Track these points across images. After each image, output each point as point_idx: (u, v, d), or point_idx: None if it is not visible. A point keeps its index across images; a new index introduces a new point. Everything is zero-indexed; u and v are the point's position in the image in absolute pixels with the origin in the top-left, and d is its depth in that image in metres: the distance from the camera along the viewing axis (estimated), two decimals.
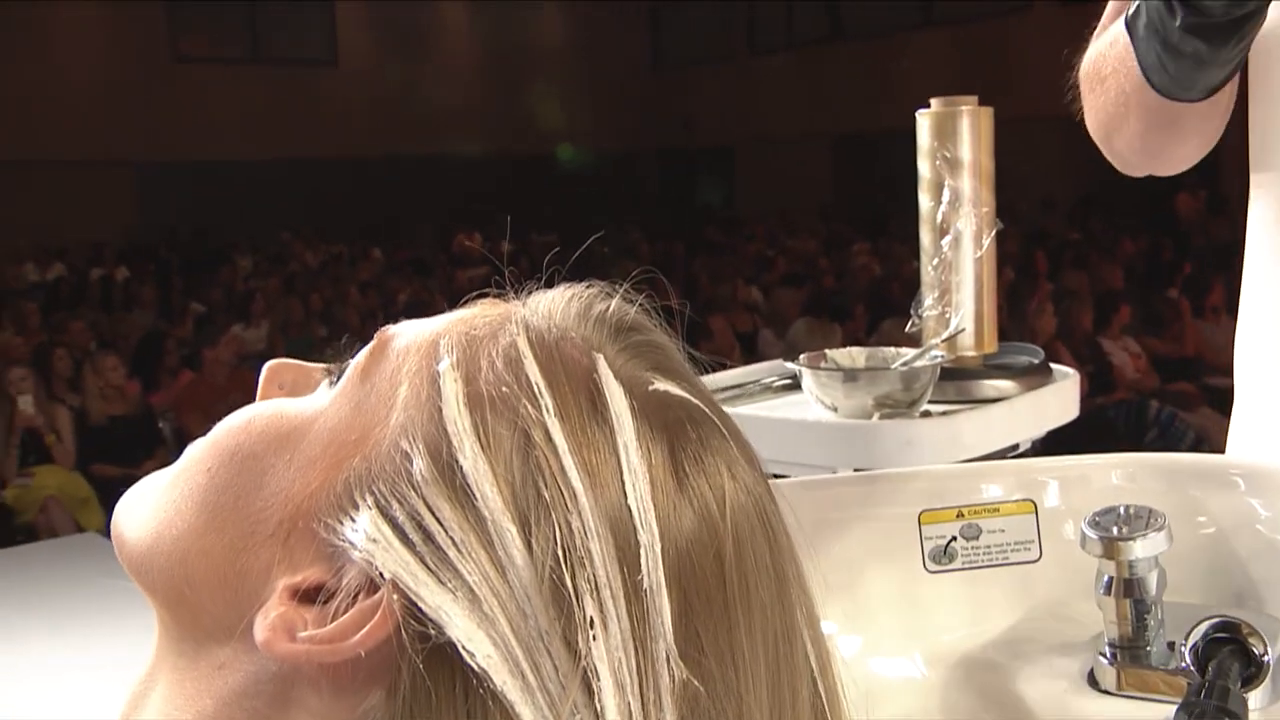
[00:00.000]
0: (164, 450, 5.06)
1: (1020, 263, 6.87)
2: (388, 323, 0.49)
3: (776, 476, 0.50)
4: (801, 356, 1.26)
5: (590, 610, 0.39)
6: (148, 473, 0.51)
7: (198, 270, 8.80)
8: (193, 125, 10.61)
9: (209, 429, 0.49)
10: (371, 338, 0.49)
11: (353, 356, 0.48)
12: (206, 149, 10.55)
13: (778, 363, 1.39)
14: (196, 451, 0.48)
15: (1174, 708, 0.60)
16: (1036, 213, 9.18)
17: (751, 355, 5.50)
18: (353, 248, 9.66)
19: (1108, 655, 0.66)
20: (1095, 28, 0.97)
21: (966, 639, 0.72)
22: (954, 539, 0.75)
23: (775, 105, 13.12)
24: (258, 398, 0.51)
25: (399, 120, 11.61)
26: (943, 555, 0.75)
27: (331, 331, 6.72)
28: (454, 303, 0.49)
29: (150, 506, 0.48)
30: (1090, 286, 6.10)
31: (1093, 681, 0.67)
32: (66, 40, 10.31)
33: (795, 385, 1.31)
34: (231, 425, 0.48)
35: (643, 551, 0.41)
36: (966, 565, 0.75)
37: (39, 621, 2.89)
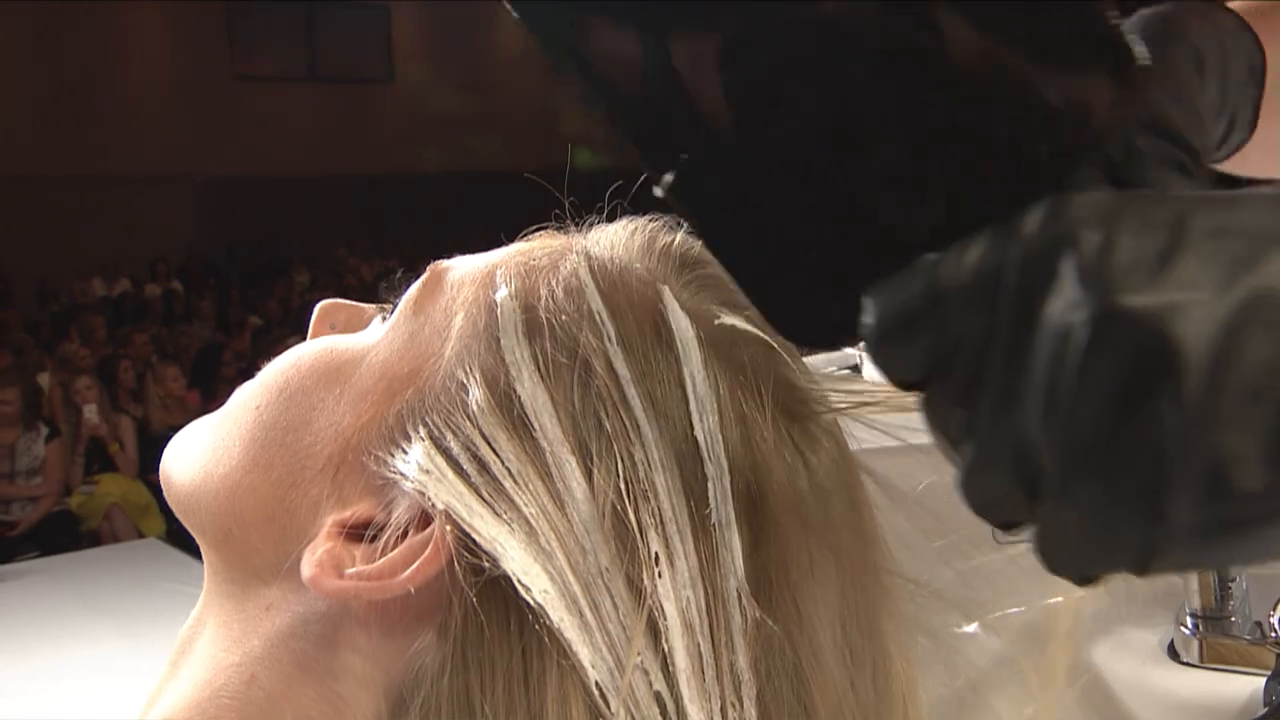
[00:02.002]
0: None
1: None
2: None
3: None
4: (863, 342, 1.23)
5: (655, 546, 0.38)
6: None
7: (255, 284, 8.92)
8: (252, 142, 10.77)
9: None
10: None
11: (405, 292, 0.47)
12: (266, 165, 10.71)
13: (841, 352, 1.37)
14: (244, 392, 0.47)
15: (1258, 681, 0.57)
16: None
17: None
18: (407, 263, 9.74)
19: (1189, 626, 0.64)
20: None
21: (1038, 611, 0.70)
22: None
23: None
24: (309, 337, 0.50)
25: (454, 137, 11.71)
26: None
27: None
28: None
29: (198, 447, 0.47)
30: None
31: (1173, 653, 0.65)
32: (131, 61, 10.52)
33: (857, 372, 1.29)
34: (280, 363, 0.47)
35: (710, 484, 0.39)
36: None
37: (104, 624, 2.93)
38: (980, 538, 0.73)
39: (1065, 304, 0.28)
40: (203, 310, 8.10)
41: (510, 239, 0.48)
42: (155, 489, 4.88)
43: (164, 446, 0.50)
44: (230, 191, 10.59)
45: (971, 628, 0.70)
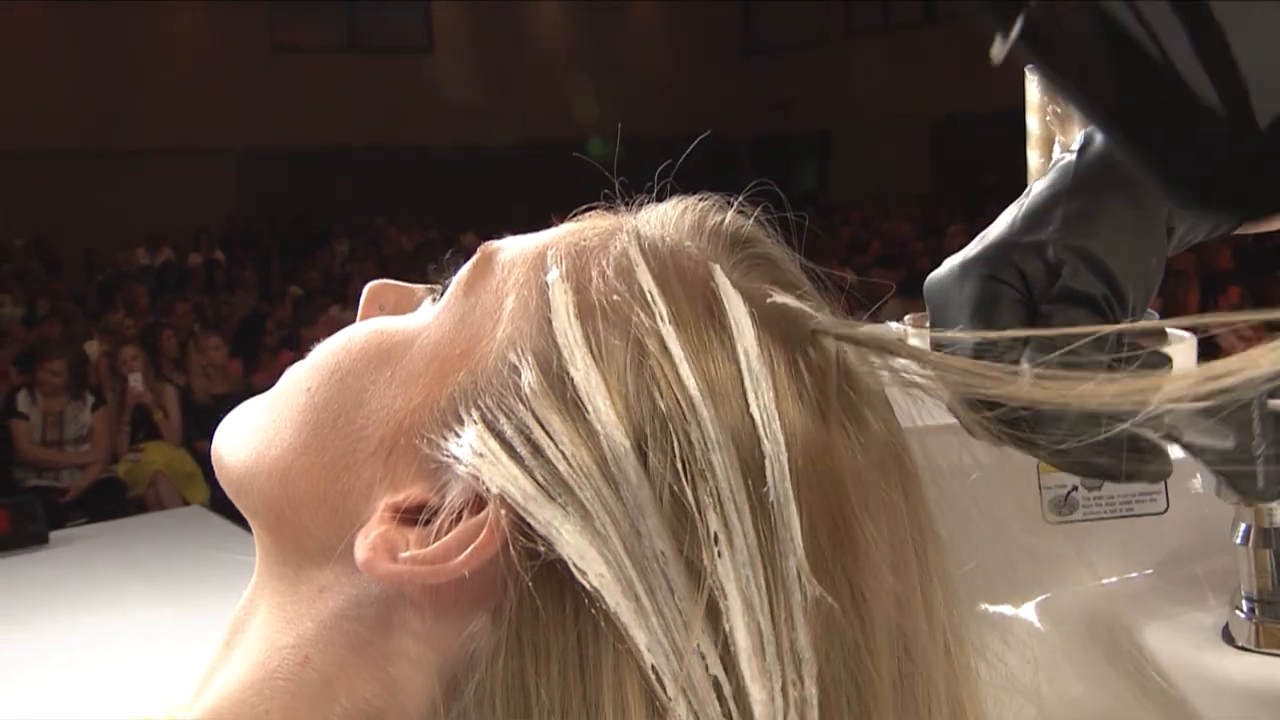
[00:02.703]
0: None
1: None
2: None
3: None
4: (907, 317, 1.22)
5: (714, 525, 0.37)
6: None
7: (296, 254, 8.98)
8: (293, 113, 10.81)
9: None
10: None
11: (455, 274, 0.47)
12: (305, 136, 10.75)
13: (884, 326, 1.36)
14: (295, 373, 0.47)
15: None
16: None
17: None
18: (447, 233, 9.79)
19: (1245, 610, 0.63)
20: None
21: (1089, 593, 0.69)
22: (1075, 489, 0.71)
23: (870, 89, 12.96)
24: (358, 319, 0.50)
25: (493, 107, 11.70)
26: (1063, 505, 0.71)
27: None
28: None
29: (250, 428, 0.47)
30: (1197, 268, 5.87)
31: (1228, 637, 0.64)
32: (172, 35, 10.58)
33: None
34: (331, 345, 0.47)
35: (768, 462, 0.38)
36: (1088, 517, 0.71)
37: (150, 590, 2.98)
38: (1030, 520, 0.72)
39: None
40: (245, 280, 8.17)
41: (552, 209, 0.48)
42: (199, 457, 4.95)
43: (207, 414, 0.51)
44: (271, 162, 10.65)
45: (1023, 609, 0.70)
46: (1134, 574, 0.70)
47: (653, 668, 0.37)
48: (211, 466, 0.49)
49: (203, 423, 5.17)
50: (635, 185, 0.48)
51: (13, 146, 9.34)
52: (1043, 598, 0.70)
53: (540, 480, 0.38)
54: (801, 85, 14.03)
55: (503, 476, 0.38)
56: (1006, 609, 0.70)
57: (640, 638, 0.37)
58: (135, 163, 9.88)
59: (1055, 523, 0.72)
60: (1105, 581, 0.70)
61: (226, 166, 10.69)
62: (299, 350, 0.47)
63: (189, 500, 4.55)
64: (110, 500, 4.66)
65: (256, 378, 5.71)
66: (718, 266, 0.42)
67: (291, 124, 10.78)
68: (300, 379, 0.46)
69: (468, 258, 0.47)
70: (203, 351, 5.35)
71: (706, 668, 0.37)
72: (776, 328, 0.41)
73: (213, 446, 0.49)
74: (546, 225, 0.46)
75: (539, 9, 13.10)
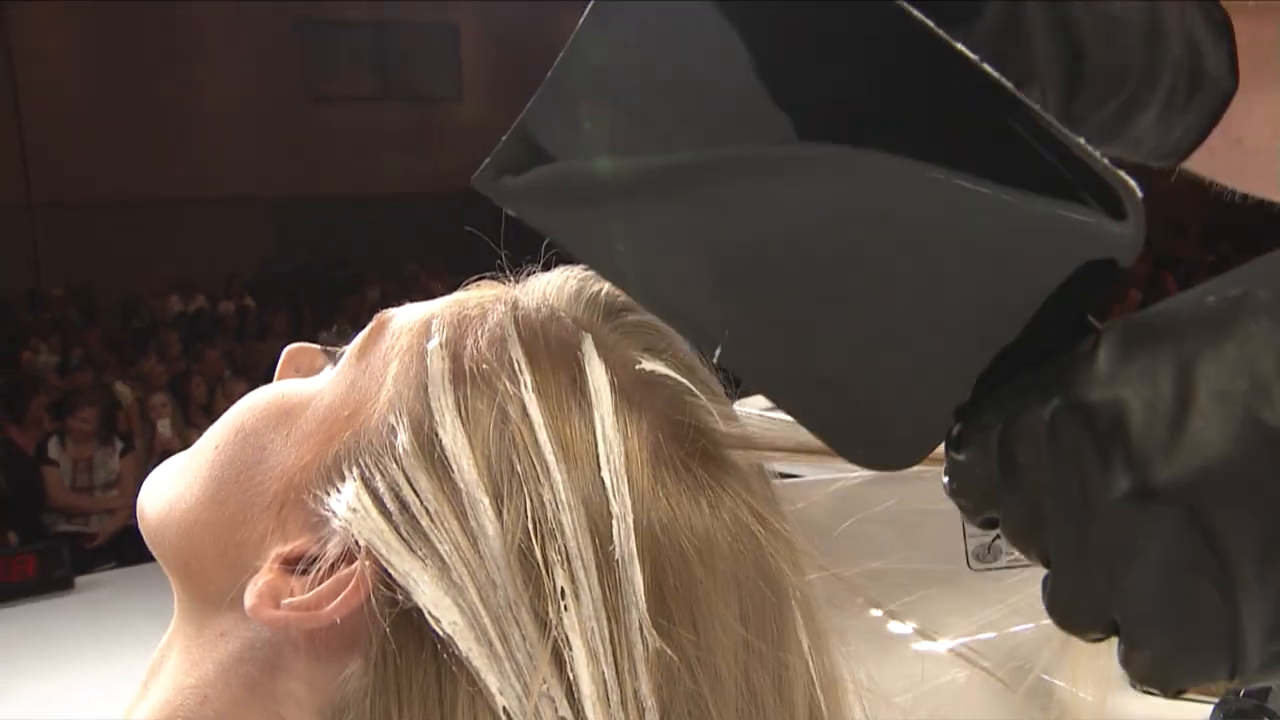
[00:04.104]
0: None
1: (1148, 286, 6.65)
2: None
3: (785, 476, 0.50)
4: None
5: (561, 580, 0.40)
6: None
7: (328, 301, 9.09)
8: (326, 161, 10.98)
9: None
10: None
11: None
12: (339, 183, 10.91)
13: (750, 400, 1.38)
14: (211, 431, 0.51)
15: (1208, 708, 0.58)
16: (1167, 237, 8.88)
17: None
18: (479, 279, 9.81)
19: None
20: None
21: (1006, 639, 0.71)
22: (999, 536, 0.73)
23: None
24: (275, 379, 0.54)
25: None
26: (986, 553, 0.73)
27: None
28: None
29: (167, 482, 0.50)
30: None
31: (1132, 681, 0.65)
32: (207, 87, 10.79)
33: None
34: (240, 405, 0.51)
35: (614, 522, 0.41)
36: (1012, 564, 0.73)
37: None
38: (954, 566, 0.74)
39: (1103, 480, 0.32)
40: (276, 327, 8.27)
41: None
42: None
43: None
44: (304, 210, 10.79)
45: (939, 657, 0.72)
46: (1051, 620, 0.72)
47: (504, 709, 0.40)
48: None
49: None
50: None
51: (53, 197, 9.56)
52: (960, 640, 0.72)
53: (403, 534, 0.41)
54: None
55: (370, 530, 0.42)
56: (926, 655, 0.72)
57: (492, 681, 0.40)
58: (173, 211, 10.05)
59: (979, 569, 0.74)
60: (1022, 627, 0.72)
61: (261, 213, 10.85)
62: None
63: None
64: (139, 545, 4.71)
65: None
66: (588, 335, 0.45)
67: (325, 171, 10.94)
68: (213, 437, 0.50)
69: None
70: (230, 398, 5.43)
71: (556, 710, 0.40)
72: (640, 394, 0.44)
73: (138, 500, 0.53)
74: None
75: None
